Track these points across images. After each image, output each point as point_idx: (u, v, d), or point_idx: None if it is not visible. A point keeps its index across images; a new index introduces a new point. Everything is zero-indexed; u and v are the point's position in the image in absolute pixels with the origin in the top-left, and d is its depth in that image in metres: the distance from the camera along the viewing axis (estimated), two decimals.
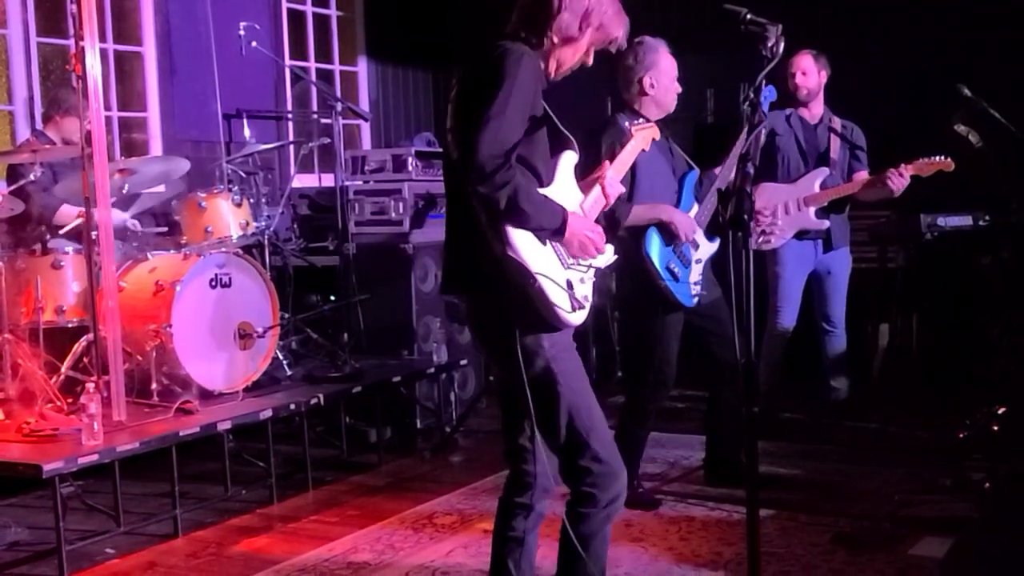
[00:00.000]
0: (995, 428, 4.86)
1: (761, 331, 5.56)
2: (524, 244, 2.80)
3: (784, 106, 5.58)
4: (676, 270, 4.44)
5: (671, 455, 5.47)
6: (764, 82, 4.19)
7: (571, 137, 3.02)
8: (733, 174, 3.22)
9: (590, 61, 3.08)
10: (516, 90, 2.77)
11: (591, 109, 6.64)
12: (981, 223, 6.08)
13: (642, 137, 3.23)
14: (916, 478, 4.87)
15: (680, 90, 4.53)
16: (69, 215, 5.42)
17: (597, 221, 3.07)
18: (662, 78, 4.49)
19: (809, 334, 5.83)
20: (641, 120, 3.40)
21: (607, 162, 3.18)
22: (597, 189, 3.10)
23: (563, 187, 2.99)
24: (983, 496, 4.51)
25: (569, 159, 3.03)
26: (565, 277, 2.89)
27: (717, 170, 4.60)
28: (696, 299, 4.52)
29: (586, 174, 3.15)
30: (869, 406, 6.07)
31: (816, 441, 5.63)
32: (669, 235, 4.45)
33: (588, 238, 2.92)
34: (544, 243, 2.86)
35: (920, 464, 5.04)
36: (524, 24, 2.98)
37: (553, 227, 2.84)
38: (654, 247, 4.42)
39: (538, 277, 2.79)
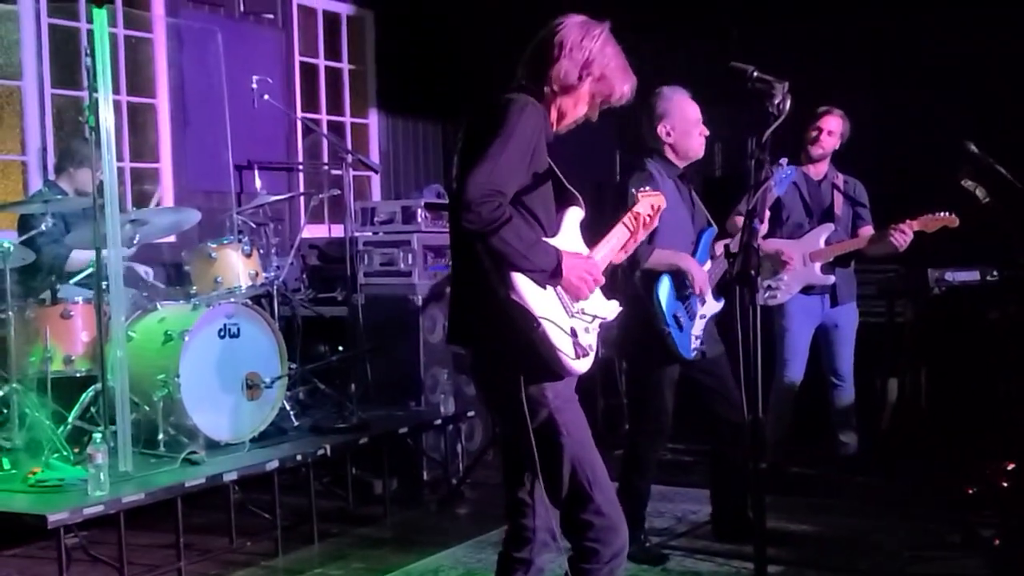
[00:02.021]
0: (1005, 484, 4.82)
1: (768, 385, 5.56)
2: (528, 289, 2.80)
3: (790, 160, 5.61)
4: (682, 320, 4.46)
5: (678, 509, 5.44)
6: (787, 161, 4.26)
7: (577, 194, 3.03)
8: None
9: (594, 116, 3.08)
10: (516, 136, 2.79)
11: (599, 164, 6.70)
12: (989, 278, 6.08)
13: (647, 203, 3.23)
14: (925, 534, 4.83)
15: (706, 133, 4.55)
16: (80, 261, 5.45)
17: (609, 271, 3.07)
18: (678, 125, 4.54)
19: (818, 388, 5.82)
20: (647, 188, 3.41)
21: (633, 208, 3.19)
22: (605, 246, 3.09)
23: (568, 240, 2.99)
24: (993, 553, 4.47)
25: (575, 215, 3.04)
26: (569, 324, 2.89)
27: (720, 245, 4.62)
28: (696, 353, 4.53)
29: (595, 228, 3.16)
30: (878, 461, 6.03)
31: (825, 496, 5.60)
32: (681, 284, 4.47)
33: (585, 272, 2.90)
34: (546, 288, 2.85)
35: (929, 520, 5.00)
36: (527, 73, 3.01)
37: (548, 268, 2.81)
38: (664, 293, 4.45)
39: (542, 321, 2.79)
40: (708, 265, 4.59)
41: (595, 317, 2.99)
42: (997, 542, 4.52)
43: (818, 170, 5.70)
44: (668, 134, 4.55)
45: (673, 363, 4.52)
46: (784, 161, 4.31)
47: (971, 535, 4.65)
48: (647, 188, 3.34)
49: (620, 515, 2.97)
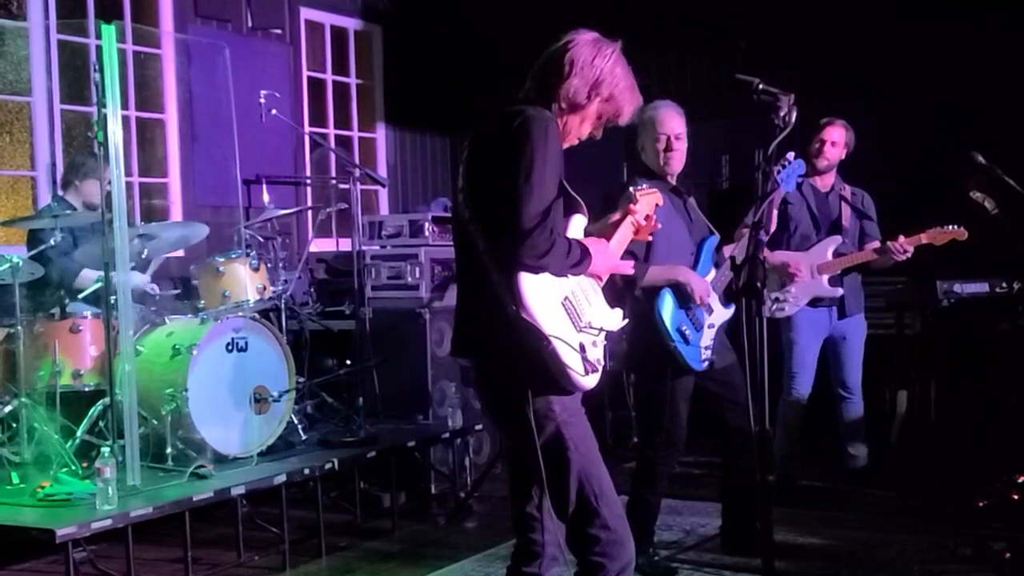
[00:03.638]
0: (1015, 496, 4.80)
1: (776, 398, 5.54)
2: (538, 306, 2.81)
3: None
4: (687, 332, 4.44)
5: (687, 522, 5.42)
6: (794, 155, 4.24)
7: (580, 201, 3.04)
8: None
9: (599, 135, 3.08)
10: (549, 157, 2.81)
11: (607, 174, 6.71)
12: (998, 289, 6.06)
13: (645, 202, 3.25)
14: (935, 547, 4.80)
15: (675, 148, 4.49)
16: (89, 279, 5.47)
17: (611, 282, 3.09)
18: (646, 143, 4.55)
19: (826, 401, 5.80)
20: (645, 185, 3.42)
21: (631, 205, 3.21)
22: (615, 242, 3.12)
23: None
24: (1003, 566, 4.45)
25: (578, 222, 3.05)
26: (578, 340, 2.89)
27: (728, 248, 4.62)
28: (706, 363, 4.51)
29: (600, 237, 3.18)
30: (887, 473, 6.01)
31: (834, 509, 5.57)
32: (684, 297, 4.45)
33: (608, 255, 3.02)
34: (557, 305, 2.86)
35: (939, 533, 4.97)
36: (535, 87, 3.01)
37: (577, 259, 2.90)
38: (667, 308, 4.43)
39: (552, 339, 2.80)
40: (712, 273, 4.58)
41: (601, 330, 2.99)
42: (1008, 555, 4.50)
43: (825, 182, 5.69)
44: (642, 149, 4.57)
45: (685, 375, 4.50)
46: (791, 155, 4.27)
47: (982, 548, 4.62)
48: (644, 186, 3.35)
49: (627, 529, 2.96)
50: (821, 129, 5.58)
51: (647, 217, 3.23)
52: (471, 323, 2.99)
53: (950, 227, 5.27)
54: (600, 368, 2.96)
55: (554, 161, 2.83)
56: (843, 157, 5.65)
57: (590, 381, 2.91)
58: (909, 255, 5.29)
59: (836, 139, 5.59)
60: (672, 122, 4.50)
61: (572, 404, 2.94)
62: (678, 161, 4.53)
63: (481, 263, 2.84)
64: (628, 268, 3.20)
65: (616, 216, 3.23)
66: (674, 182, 4.57)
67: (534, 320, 2.78)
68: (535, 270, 2.80)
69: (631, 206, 3.21)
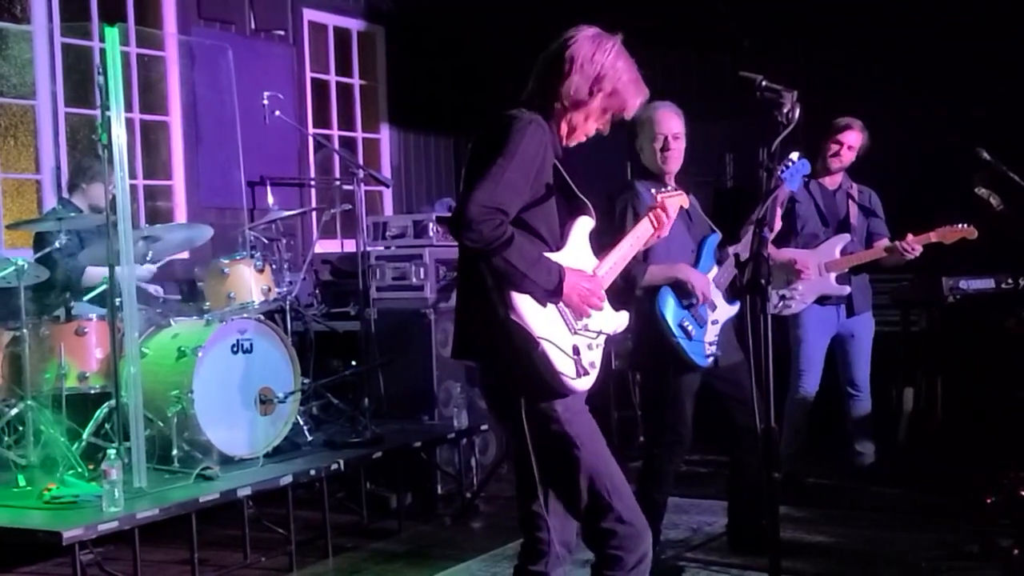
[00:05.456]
0: (1023, 493, 4.79)
1: (782, 396, 5.53)
2: (528, 308, 2.79)
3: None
4: (690, 328, 4.43)
5: (694, 521, 5.41)
6: (798, 155, 4.24)
7: (587, 203, 3.03)
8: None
9: (606, 130, 3.06)
10: (518, 155, 2.78)
11: (611, 174, 6.70)
12: (1004, 286, 6.05)
13: (671, 204, 3.24)
14: (943, 544, 4.80)
15: (669, 150, 4.46)
16: (96, 276, 5.47)
17: (614, 284, 3.07)
18: (644, 143, 4.54)
19: (834, 398, 5.79)
20: (669, 188, 3.41)
21: (659, 205, 3.19)
22: (614, 256, 3.09)
23: (576, 252, 2.98)
24: (1011, 562, 4.44)
25: (584, 224, 3.03)
26: (571, 343, 2.87)
27: (733, 248, 4.61)
28: (710, 359, 4.49)
29: (603, 239, 3.15)
30: (894, 471, 6.00)
31: (842, 507, 5.56)
32: (685, 294, 4.44)
33: (585, 290, 2.88)
34: (546, 306, 2.84)
35: (947, 530, 4.97)
36: (537, 87, 3.00)
37: (549, 286, 2.81)
38: (668, 305, 4.41)
39: (541, 342, 2.78)
40: (715, 271, 4.56)
41: (600, 332, 2.97)
42: (1016, 551, 4.49)
43: (833, 180, 5.68)
44: (641, 150, 4.56)
45: (690, 372, 4.49)
46: (795, 155, 4.25)
47: (989, 545, 4.61)
48: (669, 188, 3.35)
49: (643, 521, 2.96)
50: (841, 131, 5.55)
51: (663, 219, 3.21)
52: (469, 326, 2.98)
53: (960, 225, 5.25)
54: (593, 371, 2.93)
55: (525, 161, 2.80)
56: (854, 159, 5.64)
57: (581, 384, 2.89)
58: (918, 254, 5.28)
59: (853, 143, 5.58)
60: (670, 122, 4.49)
61: (575, 403, 2.93)
62: (675, 161, 4.52)
63: (478, 267, 2.83)
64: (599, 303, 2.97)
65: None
66: (672, 182, 4.55)
67: (523, 322, 2.78)
68: (490, 263, 2.75)
69: (659, 205, 3.19)
